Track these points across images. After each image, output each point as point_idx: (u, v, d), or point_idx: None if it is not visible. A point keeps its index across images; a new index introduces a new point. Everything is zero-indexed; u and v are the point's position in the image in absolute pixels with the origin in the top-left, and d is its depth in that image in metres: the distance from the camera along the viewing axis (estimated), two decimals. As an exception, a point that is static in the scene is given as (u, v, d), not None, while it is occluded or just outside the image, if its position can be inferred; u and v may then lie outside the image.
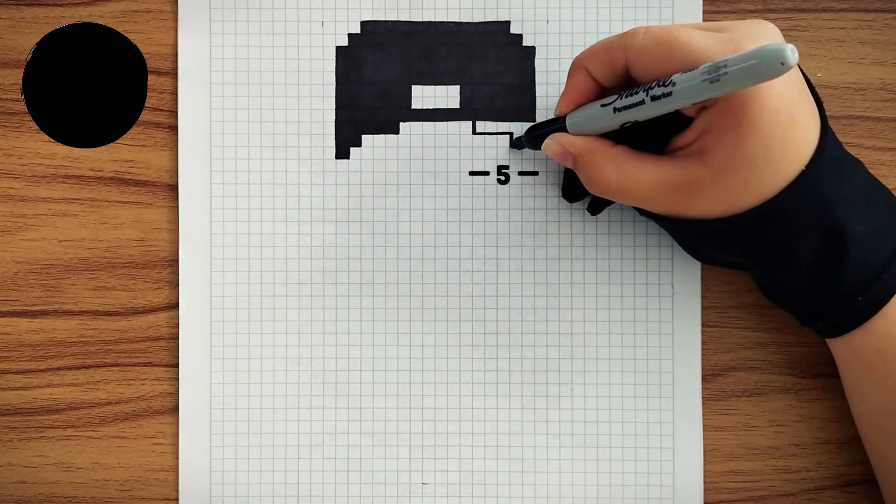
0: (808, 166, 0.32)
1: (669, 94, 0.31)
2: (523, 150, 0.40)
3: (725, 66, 0.29)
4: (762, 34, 0.32)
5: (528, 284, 0.40)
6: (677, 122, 0.34)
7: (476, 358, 0.41)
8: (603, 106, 0.35)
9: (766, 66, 0.28)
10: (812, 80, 0.38)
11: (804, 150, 0.32)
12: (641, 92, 0.33)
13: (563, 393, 0.40)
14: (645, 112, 0.33)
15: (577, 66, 0.36)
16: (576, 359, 0.40)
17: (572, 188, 0.40)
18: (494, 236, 0.41)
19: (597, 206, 0.40)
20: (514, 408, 0.40)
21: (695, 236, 0.36)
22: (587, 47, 0.36)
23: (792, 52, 0.27)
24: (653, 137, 0.35)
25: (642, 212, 0.38)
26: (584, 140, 0.36)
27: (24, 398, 0.41)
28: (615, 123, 0.34)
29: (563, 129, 0.37)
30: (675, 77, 0.31)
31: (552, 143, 0.36)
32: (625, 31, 0.34)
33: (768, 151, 0.32)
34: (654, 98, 0.32)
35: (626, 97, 0.33)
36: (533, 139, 0.38)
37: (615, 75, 0.35)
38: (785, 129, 0.31)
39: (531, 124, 0.40)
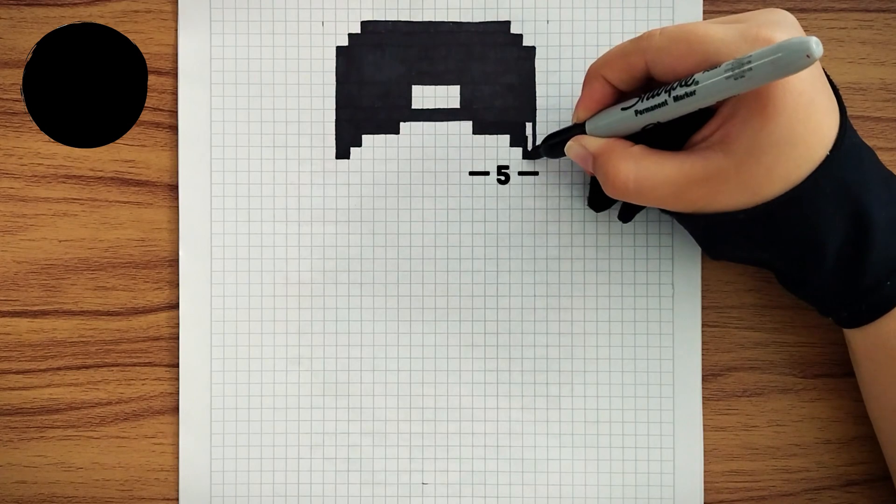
0: (832, 151, 0.32)
1: (693, 93, 0.31)
2: (529, 151, 0.40)
3: (749, 61, 0.29)
4: (780, 21, 0.31)
5: (528, 284, 0.40)
6: (697, 118, 0.34)
7: (476, 358, 0.41)
8: (624, 109, 0.34)
9: (791, 60, 0.27)
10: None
11: (826, 133, 0.32)
12: (664, 93, 0.32)
13: (563, 393, 0.40)
14: (668, 113, 0.32)
15: (594, 74, 0.35)
16: (576, 359, 0.40)
17: (597, 196, 0.39)
18: (494, 236, 0.41)
19: (627, 212, 0.39)
20: (515, 408, 0.40)
21: (716, 231, 0.35)
22: (601, 56, 0.35)
23: (816, 45, 0.27)
24: (672, 135, 0.35)
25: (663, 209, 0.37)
26: (602, 140, 0.35)
27: (24, 398, 0.41)
28: (637, 126, 0.34)
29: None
30: (697, 76, 0.31)
31: (575, 144, 0.36)
32: (639, 34, 0.34)
33: (792, 135, 0.31)
34: (676, 98, 0.32)
35: (648, 99, 0.33)
36: (551, 147, 0.38)
37: (634, 80, 0.34)
38: (807, 112, 0.31)
39: (549, 133, 0.39)
